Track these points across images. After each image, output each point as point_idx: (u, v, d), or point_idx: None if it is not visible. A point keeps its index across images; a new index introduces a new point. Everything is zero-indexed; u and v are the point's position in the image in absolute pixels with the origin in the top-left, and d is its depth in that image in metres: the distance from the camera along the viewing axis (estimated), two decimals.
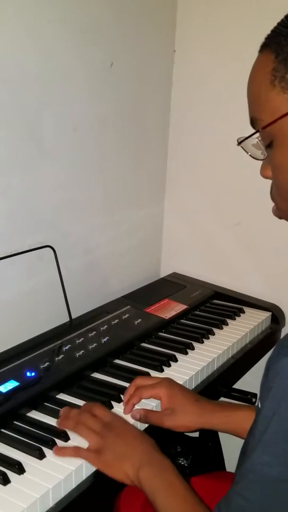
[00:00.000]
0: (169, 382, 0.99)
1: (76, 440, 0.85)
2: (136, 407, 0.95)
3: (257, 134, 0.67)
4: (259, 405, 0.66)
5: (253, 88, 0.66)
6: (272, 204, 0.72)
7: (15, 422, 0.90)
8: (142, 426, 0.94)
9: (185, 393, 0.97)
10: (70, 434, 0.86)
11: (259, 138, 0.67)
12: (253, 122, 0.67)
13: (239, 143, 0.69)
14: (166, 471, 0.78)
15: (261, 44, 0.65)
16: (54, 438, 0.85)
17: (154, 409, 0.96)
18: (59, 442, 0.85)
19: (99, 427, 0.84)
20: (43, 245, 1.22)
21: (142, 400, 0.97)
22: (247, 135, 0.68)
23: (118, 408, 0.96)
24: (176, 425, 0.93)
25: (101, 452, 0.81)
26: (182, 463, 1.41)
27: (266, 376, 0.64)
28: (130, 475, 0.78)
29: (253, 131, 0.68)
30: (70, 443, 0.85)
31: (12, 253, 1.15)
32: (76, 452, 0.82)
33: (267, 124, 0.63)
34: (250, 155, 0.69)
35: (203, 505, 0.73)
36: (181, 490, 0.75)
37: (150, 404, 0.97)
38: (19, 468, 0.78)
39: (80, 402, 0.97)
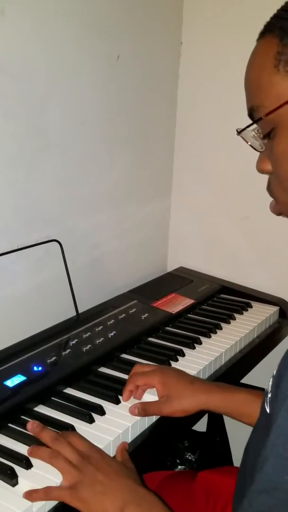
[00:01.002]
0: (163, 369, 0.98)
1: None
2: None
3: (255, 126, 0.65)
4: (267, 409, 0.64)
5: (254, 74, 0.63)
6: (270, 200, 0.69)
7: (22, 416, 0.90)
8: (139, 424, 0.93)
9: (179, 377, 0.96)
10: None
11: (257, 130, 0.65)
12: (252, 112, 0.64)
13: (239, 132, 0.67)
14: (154, 508, 0.72)
15: (260, 31, 0.63)
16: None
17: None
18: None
19: (76, 458, 0.76)
20: (50, 239, 1.21)
21: (148, 395, 0.97)
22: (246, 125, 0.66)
23: (124, 403, 0.95)
24: (174, 411, 0.91)
25: (77, 487, 0.72)
26: (190, 458, 1.41)
27: (278, 385, 0.61)
28: None
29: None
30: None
31: (19, 247, 1.14)
32: (47, 493, 0.72)
33: (271, 110, 0.61)
34: (250, 145, 0.67)
35: None
36: None
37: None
38: (26, 463, 0.77)
39: (88, 397, 0.97)
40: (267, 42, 0.61)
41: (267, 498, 0.58)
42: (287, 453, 0.56)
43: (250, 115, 0.65)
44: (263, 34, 0.63)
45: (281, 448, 0.57)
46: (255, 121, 0.64)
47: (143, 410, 0.91)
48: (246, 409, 0.89)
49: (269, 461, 0.58)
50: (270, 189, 0.68)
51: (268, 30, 0.62)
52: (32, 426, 0.82)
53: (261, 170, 0.67)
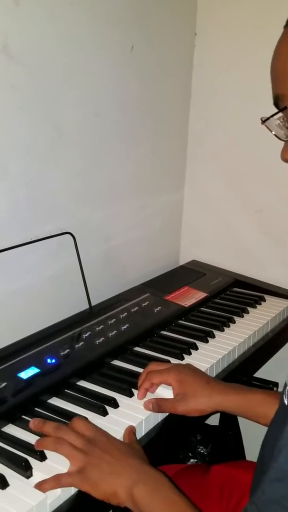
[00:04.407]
0: (179, 367, 0.97)
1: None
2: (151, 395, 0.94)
3: (280, 115, 0.64)
4: (286, 401, 0.64)
5: (279, 63, 0.62)
6: None
7: (36, 408, 0.90)
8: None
9: (195, 376, 0.95)
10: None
11: (282, 119, 0.64)
12: (277, 100, 0.64)
13: (263, 121, 0.66)
14: (163, 488, 0.72)
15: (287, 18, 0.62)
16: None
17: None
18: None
19: (81, 442, 0.76)
20: (63, 231, 1.21)
21: (161, 391, 0.96)
22: (272, 114, 0.66)
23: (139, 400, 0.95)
24: (189, 410, 0.91)
25: (86, 471, 0.72)
26: (202, 451, 1.41)
27: None
28: (121, 495, 0.71)
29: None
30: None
31: (32, 239, 1.14)
32: (57, 481, 0.72)
33: None
34: (274, 134, 0.66)
35: None
36: (182, 507, 0.70)
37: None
38: (41, 455, 0.77)
39: (101, 389, 0.97)
40: None
41: (280, 487, 0.58)
42: None
43: (275, 103, 0.64)
44: None
45: None
46: (279, 110, 0.63)
47: (158, 406, 0.90)
48: (262, 410, 0.88)
49: (283, 451, 0.57)
50: None
51: None
52: (33, 423, 0.81)
53: (286, 160, 0.67)
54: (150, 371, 0.96)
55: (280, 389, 1.19)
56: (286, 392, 0.65)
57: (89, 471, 0.73)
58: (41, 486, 0.72)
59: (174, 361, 1.07)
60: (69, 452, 0.75)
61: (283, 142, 0.67)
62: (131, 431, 0.85)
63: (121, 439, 0.83)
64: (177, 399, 0.92)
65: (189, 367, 0.99)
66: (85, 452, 0.75)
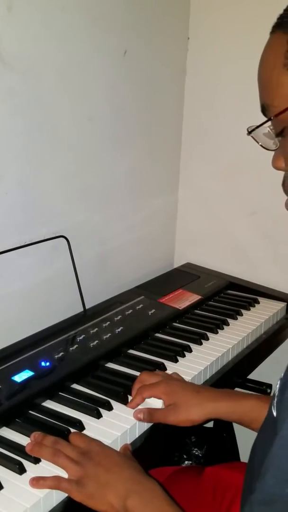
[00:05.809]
0: (168, 380, 0.96)
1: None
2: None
3: (269, 123, 0.63)
4: (274, 413, 0.63)
5: (264, 73, 0.62)
6: (285, 198, 0.68)
7: (30, 411, 0.91)
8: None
9: (184, 386, 0.94)
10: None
11: (271, 127, 0.63)
12: (264, 109, 0.63)
13: (249, 132, 0.66)
14: (156, 499, 0.72)
15: (272, 25, 0.61)
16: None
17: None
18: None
19: (77, 455, 0.77)
20: (57, 235, 1.21)
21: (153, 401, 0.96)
22: (258, 124, 0.65)
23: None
24: (180, 420, 0.90)
25: (82, 483, 0.73)
26: (197, 453, 1.41)
27: (283, 392, 0.60)
28: (115, 505, 0.72)
29: (265, 119, 0.64)
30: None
31: (26, 243, 1.15)
32: (56, 483, 0.73)
33: (281, 111, 0.59)
34: (261, 145, 0.66)
35: None
36: None
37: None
38: (35, 458, 0.78)
39: (95, 392, 0.97)
40: (278, 38, 0.59)
41: (268, 510, 0.58)
42: None
43: (263, 111, 0.64)
44: (275, 28, 0.60)
45: (284, 460, 0.57)
46: (265, 121, 0.63)
47: (149, 415, 0.90)
48: (255, 415, 0.87)
49: (270, 472, 0.57)
50: (284, 187, 0.67)
51: (279, 25, 0.60)
52: (34, 437, 0.81)
53: (276, 168, 0.66)
54: (141, 386, 0.95)
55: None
56: (275, 403, 0.64)
57: (86, 484, 0.74)
58: (39, 482, 0.73)
59: (168, 363, 1.08)
60: (66, 463, 0.76)
61: (271, 152, 0.67)
62: (126, 448, 0.85)
63: (116, 444, 0.84)
64: (168, 409, 0.91)
65: (179, 378, 0.99)
66: (81, 464, 0.76)
